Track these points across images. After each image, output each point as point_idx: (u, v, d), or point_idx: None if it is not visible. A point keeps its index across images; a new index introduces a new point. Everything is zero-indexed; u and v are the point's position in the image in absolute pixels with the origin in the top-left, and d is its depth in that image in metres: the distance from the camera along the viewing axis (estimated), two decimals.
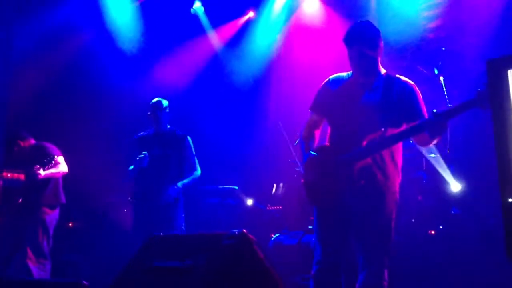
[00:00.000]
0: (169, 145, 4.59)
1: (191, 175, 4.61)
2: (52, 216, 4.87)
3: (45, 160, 4.70)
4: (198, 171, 4.66)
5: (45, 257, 4.72)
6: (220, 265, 1.96)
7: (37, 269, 4.61)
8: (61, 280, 2.64)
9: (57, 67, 6.41)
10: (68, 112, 6.50)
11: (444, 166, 4.62)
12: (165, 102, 4.70)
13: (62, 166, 4.86)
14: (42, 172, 4.63)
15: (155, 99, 4.72)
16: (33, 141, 5.07)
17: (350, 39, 2.97)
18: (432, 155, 4.78)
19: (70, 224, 6.62)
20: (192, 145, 4.66)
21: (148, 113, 4.69)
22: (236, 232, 2.05)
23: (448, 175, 4.61)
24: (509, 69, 1.25)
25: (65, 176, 4.99)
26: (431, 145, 2.92)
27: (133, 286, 2.17)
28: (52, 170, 4.75)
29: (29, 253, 4.63)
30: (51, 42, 6.32)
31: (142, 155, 4.48)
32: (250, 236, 2.10)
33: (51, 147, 4.94)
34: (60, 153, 4.95)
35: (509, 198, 1.30)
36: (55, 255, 5.01)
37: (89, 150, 6.49)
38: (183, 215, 4.60)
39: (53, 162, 4.74)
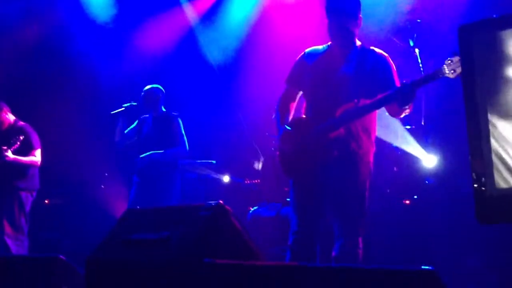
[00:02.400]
0: (162, 126, 4.82)
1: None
2: (28, 194, 4.82)
3: (23, 148, 4.64)
4: (183, 148, 4.80)
5: (23, 233, 4.70)
6: (197, 236, 1.97)
7: (15, 246, 4.60)
8: (38, 255, 2.63)
9: (30, 43, 6.26)
10: (43, 88, 6.39)
11: (414, 143, 4.66)
12: (156, 90, 4.88)
13: (35, 159, 4.82)
14: (10, 155, 4.57)
15: (148, 87, 4.89)
16: (12, 118, 4.94)
17: (331, 10, 2.96)
18: (408, 127, 4.83)
19: (46, 201, 6.56)
20: (181, 125, 4.85)
21: (142, 98, 4.87)
22: (213, 204, 2.06)
23: (420, 152, 4.67)
24: (481, 35, 1.25)
25: (42, 153, 4.93)
26: (402, 115, 2.96)
27: (111, 259, 2.17)
28: (24, 159, 4.69)
29: (7, 229, 4.61)
30: (24, 18, 6.17)
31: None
32: (227, 207, 2.10)
33: (34, 138, 4.88)
34: (40, 145, 4.89)
35: (478, 169, 1.32)
36: (32, 233, 4.98)
37: (66, 126, 6.40)
38: (177, 193, 4.79)
39: (30, 153, 4.70)
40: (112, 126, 4.93)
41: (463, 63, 1.33)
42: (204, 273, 1.80)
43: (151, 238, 2.05)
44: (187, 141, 4.85)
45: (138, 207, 4.50)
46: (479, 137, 1.24)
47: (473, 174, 1.24)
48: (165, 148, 4.72)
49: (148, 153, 4.67)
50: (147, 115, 4.97)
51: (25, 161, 4.73)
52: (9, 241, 4.59)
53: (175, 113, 4.92)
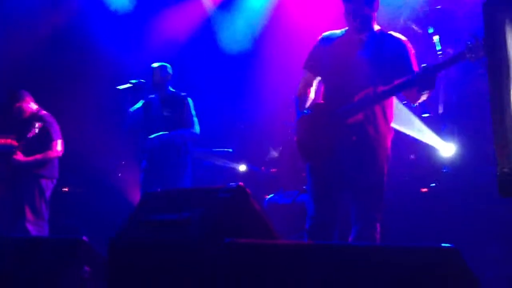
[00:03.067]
0: (170, 107, 4.62)
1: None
2: (48, 181, 4.89)
3: (43, 138, 4.67)
4: (195, 130, 4.61)
5: (43, 218, 4.78)
6: (216, 217, 1.99)
7: (36, 231, 4.67)
8: (62, 236, 2.68)
9: (49, 32, 6.32)
10: (63, 77, 6.44)
11: (430, 134, 4.62)
12: (165, 66, 4.70)
13: (54, 152, 4.81)
14: (20, 158, 4.61)
15: (156, 64, 4.69)
16: (34, 107, 4.97)
17: None
18: (426, 115, 4.79)
19: (66, 189, 6.65)
20: (192, 106, 4.65)
21: (150, 76, 4.68)
22: (233, 185, 2.08)
23: (437, 142, 4.64)
24: (507, 13, 1.24)
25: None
26: (420, 101, 2.93)
27: (133, 241, 2.20)
28: (37, 157, 4.71)
29: (28, 214, 4.68)
30: (42, 7, 6.21)
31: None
32: (247, 189, 2.12)
33: (54, 128, 4.86)
34: (60, 135, 4.89)
35: (500, 145, 1.31)
36: (52, 220, 5.05)
37: (85, 115, 6.47)
38: (187, 178, 4.59)
39: (49, 144, 4.72)
40: (119, 102, 4.71)
41: (487, 42, 1.32)
42: (225, 253, 1.82)
43: (172, 219, 2.08)
44: (198, 123, 4.66)
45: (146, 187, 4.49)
46: (503, 114, 1.24)
47: (496, 150, 1.24)
48: (175, 129, 4.53)
49: (157, 134, 4.48)
50: (153, 95, 4.73)
51: (39, 159, 4.73)
52: (30, 227, 4.66)
53: (184, 93, 4.71)
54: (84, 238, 2.47)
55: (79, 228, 6.05)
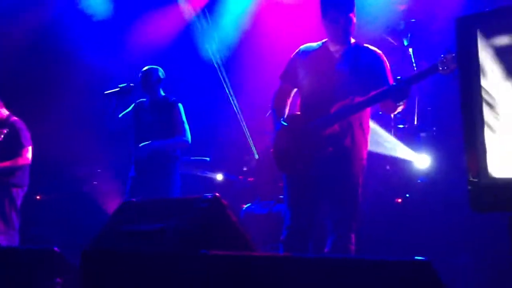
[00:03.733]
0: (160, 112, 4.48)
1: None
2: (18, 190, 4.79)
3: (12, 144, 4.58)
4: (185, 137, 4.42)
5: (13, 228, 4.68)
6: (193, 227, 1.98)
7: (6, 240, 4.57)
8: (32, 247, 2.63)
9: (24, 37, 6.22)
10: (36, 82, 6.35)
11: (404, 147, 4.70)
12: (156, 70, 4.56)
13: (24, 159, 4.71)
14: None
15: (147, 67, 4.57)
16: (5, 113, 4.86)
17: (326, 7, 2.98)
18: (401, 126, 4.87)
19: (38, 197, 6.53)
20: (182, 112, 4.47)
21: (139, 79, 4.55)
22: (209, 196, 2.07)
23: (412, 155, 4.71)
24: (479, 28, 1.27)
25: (33, 148, 4.89)
26: (396, 112, 2.99)
27: (107, 251, 2.17)
28: (5, 165, 4.61)
29: None
30: (18, 12, 6.12)
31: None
32: (223, 200, 2.12)
33: (24, 135, 4.76)
34: (30, 142, 4.79)
35: (472, 159, 1.34)
36: (24, 228, 4.95)
37: (59, 121, 6.37)
38: (176, 185, 4.48)
39: (18, 151, 4.62)
40: (106, 107, 4.54)
41: (459, 56, 1.35)
42: (201, 264, 1.81)
43: (148, 229, 2.06)
44: (189, 130, 4.49)
45: (132, 195, 4.38)
46: (474, 129, 1.27)
47: (467, 164, 1.27)
48: (165, 137, 4.37)
49: (147, 142, 4.32)
50: (144, 99, 4.60)
51: (8, 166, 4.63)
52: (0, 236, 4.56)
53: (174, 98, 4.54)
54: (56, 248, 2.42)
55: (51, 237, 5.94)
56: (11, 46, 6.13)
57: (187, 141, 4.44)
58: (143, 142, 4.35)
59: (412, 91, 2.83)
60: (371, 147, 3.88)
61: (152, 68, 4.56)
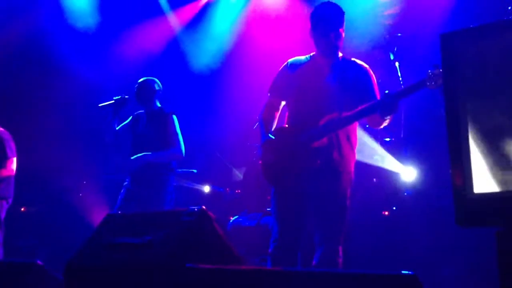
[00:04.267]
0: (155, 124, 4.45)
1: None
2: (2, 202, 4.72)
3: None
4: (177, 149, 4.37)
5: None
6: (179, 240, 1.96)
7: None
8: (15, 260, 2.58)
9: (12, 47, 6.19)
10: (23, 93, 6.31)
11: (392, 160, 4.73)
12: (151, 81, 4.54)
13: (8, 170, 4.65)
14: None
15: (142, 79, 4.56)
16: None
17: (316, 20, 3.00)
18: (387, 139, 4.91)
19: (22, 209, 6.45)
20: (176, 123, 4.43)
21: (135, 91, 4.53)
22: (195, 209, 2.06)
23: (398, 167, 4.75)
24: (464, 44, 1.29)
25: (18, 160, 4.83)
26: (382, 126, 3.02)
27: (91, 264, 2.14)
28: None
29: None
30: (4, 21, 6.09)
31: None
32: (210, 213, 2.11)
33: (9, 146, 4.69)
34: (15, 153, 4.74)
35: (457, 174, 1.35)
36: (8, 241, 4.88)
37: (44, 132, 6.32)
38: (169, 197, 4.41)
39: (2, 162, 4.56)
40: (102, 121, 4.52)
41: (444, 71, 1.37)
42: (186, 277, 1.79)
43: (133, 242, 2.03)
44: (183, 141, 4.43)
45: (123, 204, 4.34)
46: (459, 143, 1.28)
47: (453, 179, 1.28)
48: (158, 148, 4.34)
49: (139, 154, 4.31)
50: (142, 111, 4.59)
51: None
52: None
53: (169, 110, 4.52)
54: (39, 261, 2.38)
55: (36, 249, 5.86)
56: None
57: (181, 153, 4.40)
58: (138, 154, 4.34)
59: (399, 104, 2.85)
60: (360, 157, 3.92)
61: (146, 80, 4.55)
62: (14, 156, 4.72)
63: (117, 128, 4.53)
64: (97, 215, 5.67)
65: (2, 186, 4.67)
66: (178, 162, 4.59)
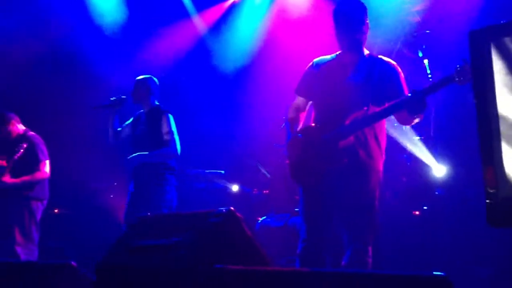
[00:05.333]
0: (150, 122, 4.43)
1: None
2: (38, 203, 4.83)
3: (29, 159, 4.64)
4: (172, 148, 4.31)
5: (33, 242, 4.70)
6: (207, 242, 1.97)
7: (25, 254, 4.59)
8: (50, 261, 2.65)
9: (39, 52, 6.33)
10: (51, 98, 6.44)
11: (426, 151, 4.67)
12: (145, 80, 4.52)
13: (42, 174, 4.75)
14: (7, 180, 4.59)
15: (138, 78, 4.56)
16: (22, 128, 4.92)
17: (338, 18, 2.99)
18: (417, 138, 4.84)
19: (56, 211, 6.59)
20: (171, 122, 4.38)
21: (131, 90, 4.53)
22: (224, 210, 2.07)
23: (430, 160, 4.68)
24: (492, 41, 1.26)
25: (50, 163, 4.93)
26: (412, 123, 2.97)
27: (120, 265, 2.17)
28: (24, 179, 4.66)
29: (18, 238, 4.60)
30: (32, 27, 6.24)
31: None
32: (238, 214, 2.11)
33: (41, 149, 4.79)
34: (47, 156, 4.85)
35: (489, 173, 1.32)
36: (42, 242, 4.99)
37: (75, 136, 6.45)
38: (168, 197, 4.36)
39: (35, 165, 4.67)
40: (104, 122, 4.54)
41: (473, 69, 1.34)
42: (215, 278, 1.80)
43: (161, 244, 2.05)
44: (179, 140, 4.36)
45: (129, 208, 4.37)
46: (491, 142, 1.25)
47: (485, 179, 1.25)
48: (154, 147, 4.29)
49: (134, 154, 4.29)
50: (142, 110, 4.54)
51: (27, 180, 4.68)
52: (19, 250, 4.59)
53: (165, 108, 4.46)
54: (73, 262, 2.43)
55: (68, 250, 5.98)
56: (28, 62, 6.24)
57: (175, 152, 4.33)
58: (134, 153, 4.34)
59: (428, 102, 2.80)
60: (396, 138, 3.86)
61: (141, 78, 4.53)
62: (46, 159, 4.83)
63: (119, 129, 4.55)
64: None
65: (38, 188, 4.78)
66: (177, 161, 4.53)
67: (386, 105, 2.87)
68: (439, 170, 4.72)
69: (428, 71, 4.77)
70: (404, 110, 2.79)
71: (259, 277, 1.74)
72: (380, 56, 3.08)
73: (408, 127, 4.65)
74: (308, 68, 3.19)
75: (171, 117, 4.41)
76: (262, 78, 6.34)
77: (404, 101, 2.77)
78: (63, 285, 2.40)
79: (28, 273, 2.57)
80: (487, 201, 1.24)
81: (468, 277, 4.03)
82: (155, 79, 4.59)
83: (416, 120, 2.90)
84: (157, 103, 4.54)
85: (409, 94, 2.76)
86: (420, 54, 4.84)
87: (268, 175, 5.87)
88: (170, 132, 4.34)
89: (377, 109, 2.88)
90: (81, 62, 6.49)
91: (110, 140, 4.57)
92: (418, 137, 4.92)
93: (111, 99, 4.48)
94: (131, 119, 4.64)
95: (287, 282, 1.66)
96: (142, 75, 4.63)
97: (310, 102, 3.18)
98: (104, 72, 6.50)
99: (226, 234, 2.03)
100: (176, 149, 4.33)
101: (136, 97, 4.50)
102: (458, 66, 2.58)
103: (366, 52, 3.07)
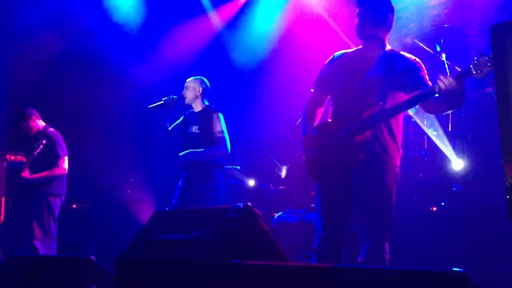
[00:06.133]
0: (202, 122, 4.52)
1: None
2: (56, 199, 4.89)
3: (48, 154, 4.70)
4: (223, 147, 4.41)
5: (52, 237, 4.76)
6: (225, 237, 1.98)
7: (44, 249, 4.66)
8: (69, 255, 2.69)
9: (58, 48, 6.40)
10: (70, 93, 6.51)
11: (447, 143, 4.64)
12: (198, 80, 4.62)
13: (57, 170, 4.80)
14: (27, 176, 4.64)
15: (189, 79, 4.64)
16: (42, 124, 4.99)
17: (363, 12, 2.96)
18: (435, 133, 4.79)
19: (74, 206, 6.68)
20: (222, 121, 4.48)
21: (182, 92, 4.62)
22: (241, 206, 2.08)
23: (450, 153, 4.64)
24: None
25: (69, 159, 4.99)
26: (445, 112, 2.97)
27: (140, 260, 2.20)
28: (44, 174, 4.72)
29: (37, 233, 4.67)
30: (52, 23, 6.30)
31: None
32: (255, 210, 2.12)
33: (60, 145, 4.84)
34: (66, 152, 4.91)
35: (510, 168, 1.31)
36: (60, 237, 5.06)
37: (92, 131, 6.51)
38: (215, 194, 4.43)
39: (55, 161, 4.73)
40: (154, 122, 4.62)
41: (495, 62, 1.33)
42: (233, 273, 1.81)
43: (180, 239, 2.07)
44: (229, 139, 4.45)
45: (176, 203, 4.47)
46: (510, 128, 1.23)
47: (506, 174, 1.23)
48: (205, 146, 4.40)
49: (187, 151, 4.41)
50: (192, 110, 4.65)
51: (45, 176, 4.74)
52: (38, 244, 4.65)
53: (215, 108, 4.57)
54: (92, 257, 2.47)
55: (87, 245, 6.06)
56: (45, 60, 6.31)
57: (226, 151, 4.44)
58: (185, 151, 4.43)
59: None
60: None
61: (193, 79, 4.63)
62: (65, 155, 4.89)
63: (169, 128, 4.62)
64: (144, 212, 5.81)
65: (56, 184, 4.84)
66: (226, 160, 4.62)
67: (407, 97, 2.84)
68: (457, 164, 4.67)
69: (446, 66, 4.71)
70: (431, 99, 2.75)
71: (276, 272, 1.74)
72: (402, 52, 3.05)
73: (431, 119, 4.62)
74: (327, 61, 3.17)
75: (221, 116, 4.51)
76: (279, 74, 6.33)
77: (427, 92, 2.72)
78: (83, 279, 2.44)
79: (48, 267, 2.61)
80: (508, 196, 1.22)
81: (485, 274, 3.99)
82: (205, 80, 4.67)
83: (451, 110, 2.89)
84: (207, 103, 4.63)
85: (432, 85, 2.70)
86: (438, 49, 4.78)
87: (285, 173, 5.86)
88: (222, 132, 4.45)
89: (395, 104, 2.85)
90: (100, 57, 6.55)
91: (162, 139, 4.63)
92: (435, 132, 4.87)
93: (163, 99, 4.53)
94: (181, 118, 4.71)
95: (304, 278, 1.66)
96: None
97: (328, 97, 3.15)
98: (123, 68, 6.55)
99: (244, 230, 2.04)
100: (227, 148, 4.44)
101: (187, 97, 4.58)
102: (475, 59, 2.55)
103: (388, 47, 3.04)
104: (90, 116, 6.59)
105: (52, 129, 5.02)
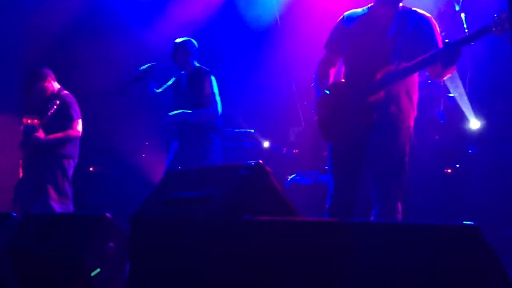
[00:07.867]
0: (192, 84, 4.50)
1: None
2: (70, 161, 4.93)
3: (62, 117, 4.72)
4: (213, 109, 4.42)
5: (67, 197, 4.83)
6: (237, 194, 2.00)
7: (61, 209, 4.74)
8: (85, 213, 2.73)
9: (69, 12, 6.37)
10: (85, 59, 6.51)
11: (467, 102, 4.57)
12: (185, 43, 4.59)
13: (71, 132, 4.82)
14: (41, 136, 4.67)
15: (177, 40, 4.62)
16: (57, 87, 4.99)
17: None
18: (455, 93, 4.72)
19: (91, 169, 6.78)
20: (213, 83, 4.45)
21: (171, 53, 4.60)
22: (252, 163, 2.08)
23: (469, 112, 4.58)
24: None
25: (83, 122, 5.01)
26: (445, 77, 2.89)
27: (153, 218, 2.23)
28: (58, 136, 4.74)
29: (52, 193, 4.73)
30: None
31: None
32: (267, 167, 2.12)
33: (73, 108, 4.85)
34: (80, 115, 4.92)
35: None
36: (77, 199, 5.14)
37: (108, 96, 6.53)
38: (213, 156, 4.45)
39: (68, 124, 4.75)
40: (142, 90, 4.65)
41: None
42: (244, 230, 1.83)
43: (192, 196, 2.09)
44: (220, 101, 4.45)
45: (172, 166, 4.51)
46: None
47: None
48: (196, 108, 4.38)
49: (177, 111, 4.38)
50: (184, 72, 4.62)
51: (60, 137, 4.76)
52: (54, 205, 4.72)
53: (206, 70, 4.52)
54: (108, 214, 2.51)
55: (103, 206, 6.17)
56: (62, 23, 6.30)
57: (216, 113, 4.42)
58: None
59: (463, 59, 2.71)
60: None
61: (182, 40, 4.59)
62: (79, 118, 4.91)
63: (159, 90, 4.63)
64: (158, 174, 5.87)
65: (69, 146, 4.88)
66: (222, 121, 4.61)
67: (419, 58, 2.79)
68: (475, 123, 4.62)
69: (465, 26, 4.58)
70: (437, 63, 2.70)
71: (288, 228, 1.76)
72: (414, 9, 2.97)
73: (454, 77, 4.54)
74: (338, 21, 3.11)
75: (213, 78, 4.48)
76: (292, 36, 6.23)
77: (437, 54, 2.67)
78: (99, 236, 2.49)
79: (64, 225, 2.67)
80: None
81: (498, 238, 3.98)
82: (193, 41, 4.63)
83: (449, 74, 2.81)
84: (197, 64, 4.60)
85: (443, 46, 2.66)
86: (457, 8, 4.64)
87: (298, 136, 5.83)
88: (212, 94, 4.42)
89: (410, 63, 2.80)
90: (110, 21, 6.52)
91: (152, 104, 4.72)
92: (452, 94, 4.79)
93: (142, 67, 4.58)
94: (172, 80, 4.70)
95: (315, 232, 1.67)
96: (180, 37, 4.68)
97: (340, 57, 3.11)
98: (135, 31, 6.51)
99: (255, 187, 2.05)
100: (217, 110, 4.42)
101: (176, 59, 4.57)
102: (495, 15, 2.48)
103: (400, 4, 2.96)
104: (106, 81, 6.59)
105: (66, 91, 5.03)
